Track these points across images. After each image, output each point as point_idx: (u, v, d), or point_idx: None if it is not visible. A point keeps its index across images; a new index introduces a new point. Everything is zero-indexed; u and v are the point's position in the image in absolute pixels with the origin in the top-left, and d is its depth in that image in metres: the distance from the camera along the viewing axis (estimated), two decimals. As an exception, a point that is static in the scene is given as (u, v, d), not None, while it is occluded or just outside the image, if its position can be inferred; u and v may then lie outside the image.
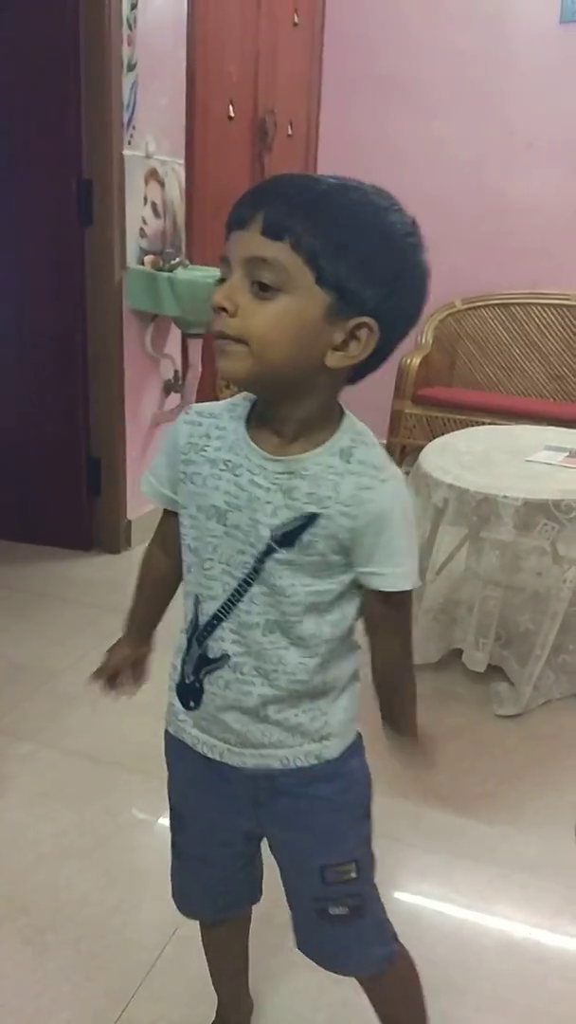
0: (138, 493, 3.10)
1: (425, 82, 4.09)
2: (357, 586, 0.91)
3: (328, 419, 0.87)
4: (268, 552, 0.87)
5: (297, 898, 1.05)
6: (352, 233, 0.78)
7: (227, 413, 0.91)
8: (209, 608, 0.92)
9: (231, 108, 3.40)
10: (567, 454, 2.45)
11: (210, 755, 0.98)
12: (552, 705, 2.24)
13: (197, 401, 3.17)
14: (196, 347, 3.12)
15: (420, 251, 0.84)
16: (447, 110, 4.08)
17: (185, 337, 3.12)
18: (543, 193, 3.83)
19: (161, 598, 1.10)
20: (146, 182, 2.85)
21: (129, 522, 3.08)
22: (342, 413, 0.89)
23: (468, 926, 1.54)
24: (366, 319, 0.80)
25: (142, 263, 2.87)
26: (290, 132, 3.97)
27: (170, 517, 0.99)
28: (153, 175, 2.87)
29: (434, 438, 2.60)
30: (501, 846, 1.71)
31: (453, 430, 3.03)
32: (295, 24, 3.86)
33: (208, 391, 3.43)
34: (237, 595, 0.90)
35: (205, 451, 0.90)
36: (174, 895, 1.15)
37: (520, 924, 1.56)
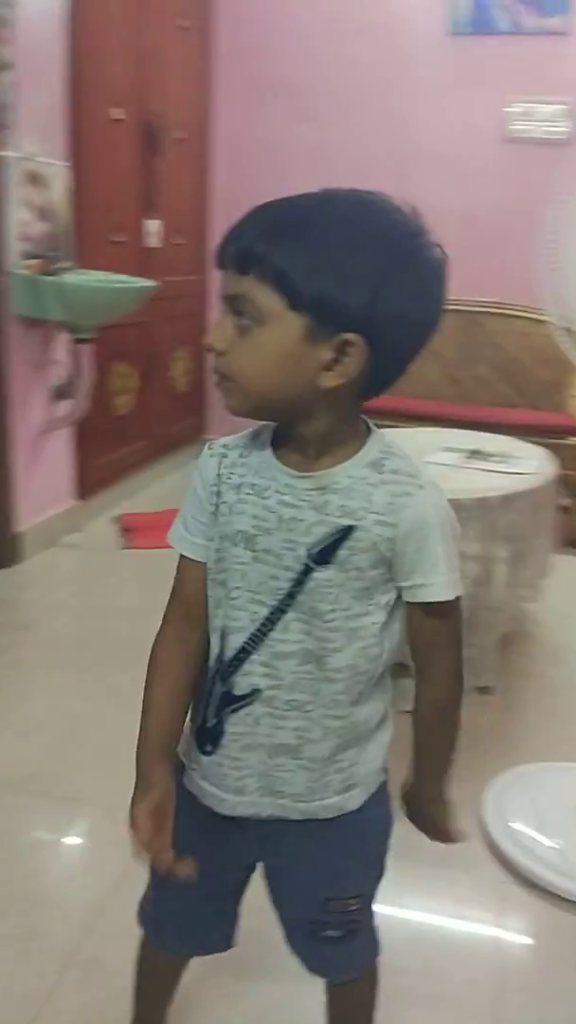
0: (30, 503, 3.04)
1: (318, 90, 4.11)
2: (395, 612, 0.88)
3: (353, 433, 0.85)
4: (305, 573, 0.83)
5: (291, 915, 1.01)
6: (317, 251, 0.76)
7: (250, 441, 0.89)
8: (236, 641, 0.87)
9: (117, 111, 3.34)
10: (464, 455, 2.48)
11: (218, 809, 0.93)
12: (454, 699, 2.25)
13: (90, 408, 3.11)
14: (86, 352, 3.04)
15: (414, 247, 0.81)
16: (341, 117, 4.11)
17: (75, 342, 3.04)
18: (434, 201, 3.78)
19: (182, 703, 0.94)
20: (28, 184, 2.76)
21: (19, 534, 2.97)
22: (368, 427, 0.87)
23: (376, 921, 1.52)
24: (348, 335, 0.78)
25: (27, 268, 2.78)
26: (182, 136, 3.93)
27: (192, 571, 0.92)
28: (36, 178, 2.79)
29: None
30: (407, 839, 1.69)
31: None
32: (183, 28, 3.83)
33: (100, 396, 3.36)
34: (269, 624, 0.86)
35: (230, 479, 0.88)
36: (146, 921, 1.08)
37: (427, 917, 1.55)
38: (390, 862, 1.03)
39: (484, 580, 2.15)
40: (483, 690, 2.29)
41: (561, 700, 2.34)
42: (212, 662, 0.90)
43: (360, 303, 0.77)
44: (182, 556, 0.94)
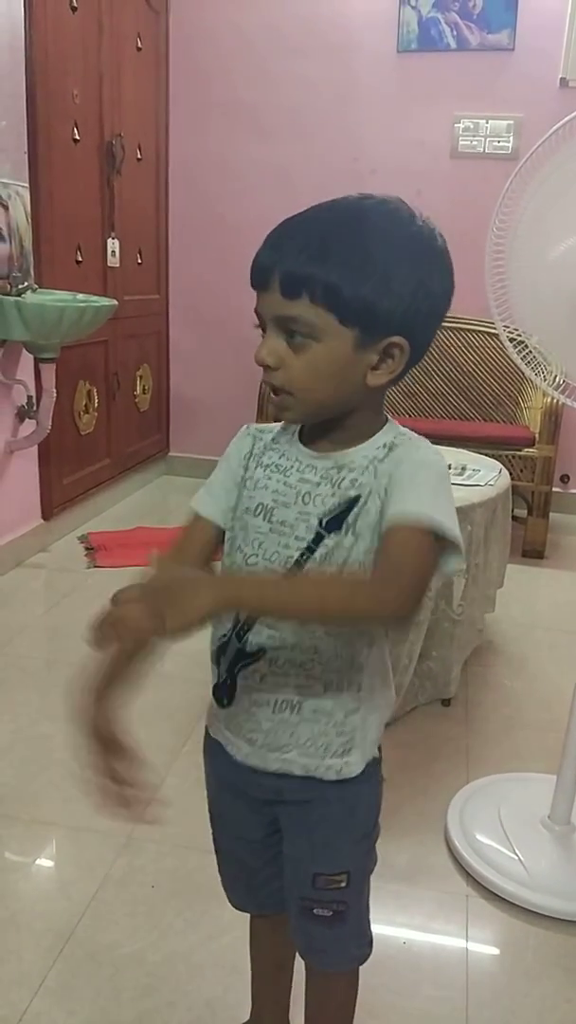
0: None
1: (271, 109, 4.15)
2: None
3: (378, 420, 0.93)
4: (317, 541, 0.90)
5: (289, 891, 1.07)
6: (359, 267, 0.83)
7: (281, 432, 0.98)
8: None
9: (76, 131, 3.35)
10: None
11: (236, 756, 1.00)
12: (418, 711, 2.28)
13: (54, 427, 3.10)
14: (49, 372, 3.03)
15: (436, 249, 0.89)
16: (294, 137, 4.15)
17: (38, 362, 3.04)
18: None
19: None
20: (-13, 205, 2.76)
21: (-15, 555, 2.96)
22: (386, 418, 0.94)
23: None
24: (395, 339, 0.86)
25: (-13, 287, 2.77)
26: (139, 156, 3.95)
27: (201, 530, 0.99)
28: (-5, 198, 2.79)
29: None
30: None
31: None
32: (139, 49, 3.85)
33: (64, 416, 3.35)
34: None
35: (261, 458, 0.97)
36: (223, 883, 1.18)
37: (394, 933, 1.57)
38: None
39: (444, 592, 2.19)
40: (445, 702, 2.32)
41: (522, 710, 2.38)
42: (231, 622, 0.96)
43: (402, 309, 0.85)
44: (196, 516, 1.00)
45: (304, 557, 0.90)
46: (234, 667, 0.95)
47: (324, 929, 1.06)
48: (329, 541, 0.89)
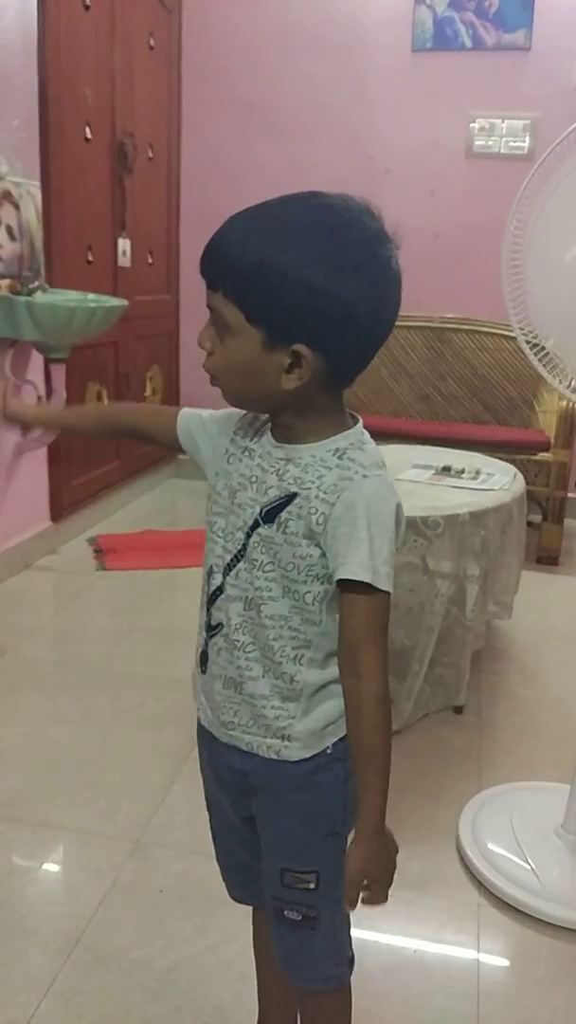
0: (3, 526, 3.01)
1: (284, 108, 4.14)
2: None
3: (328, 423, 0.92)
4: (254, 527, 0.93)
5: (266, 894, 1.07)
6: (268, 270, 0.83)
7: (262, 418, 0.99)
8: (216, 579, 0.98)
9: (88, 130, 3.35)
10: (433, 471, 2.50)
11: (203, 723, 1.05)
12: (429, 718, 2.27)
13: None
14: (59, 372, 3.03)
15: (371, 270, 0.86)
16: (309, 136, 4.14)
17: (48, 362, 3.03)
18: (401, 219, 3.88)
19: (96, 421, 1.24)
20: (-1, 204, 2.76)
21: (-6, 556, 2.95)
22: (354, 421, 0.95)
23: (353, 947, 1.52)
24: (297, 347, 0.85)
25: (-2, 287, 2.77)
26: (151, 155, 3.94)
27: (168, 418, 1.06)
28: (7, 197, 2.78)
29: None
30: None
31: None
32: (151, 48, 3.85)
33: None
34: (228, 569, 0.96)
35: (241, 438, 0.98)
36: (222, 879, 1.19)
37: (405, 942, 1.55)
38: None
39: (457, 598, 2.17)
40: (457, 710, 2.30)
41: (535, 719, 2.35)
42: (205, 595, 1.00)
43: (301, 315, 0.84)
44: (176, 413, 1.06)
45: (247, 540, 0.94)
46: (207, 637, 1.01)
47: (293, 934, 1.05)
48: (262, 530, 0.92)
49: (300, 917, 1.04)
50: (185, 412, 1.05)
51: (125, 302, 3.16)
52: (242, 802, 1.05)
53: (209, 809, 1.14)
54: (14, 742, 2.10)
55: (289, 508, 0.90)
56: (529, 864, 1.68)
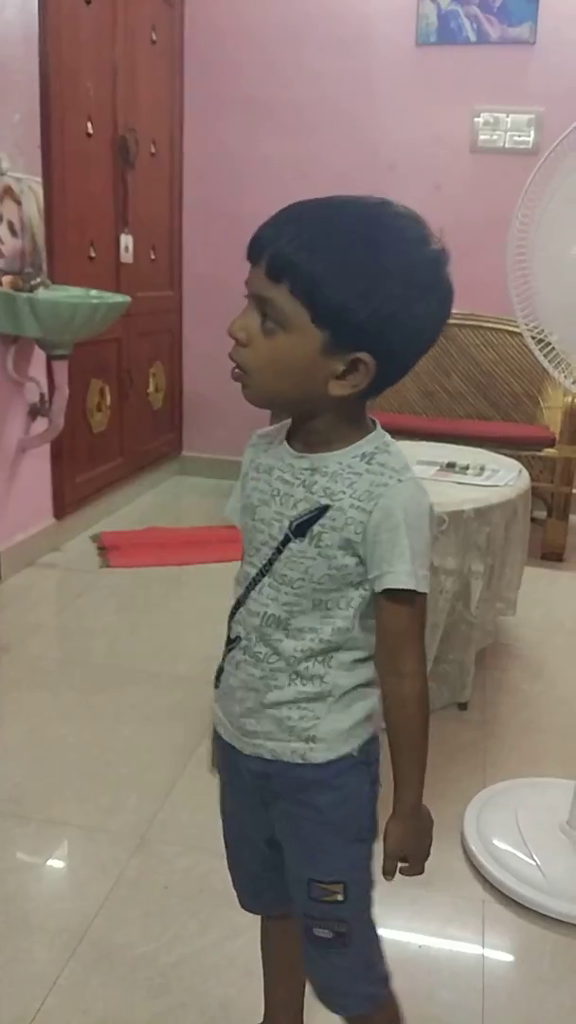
0: (6, 523, 3.01)
1: (288, 103, 4.12)
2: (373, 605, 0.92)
3: (355, 428, 0.91)
4: (284, 543, 0.91)
5: (297, 913, 1.05)
6: (346, 272, 0.81)
7: (279, 431, 0.97)
8: (238, 592, 0.98)
9: (90, 125, 3.34)
10: (438, 468, 2.50)
11: (224, 736, 1.03)
12: (434, 715, 2.24)
13: (67, 425, 3.09)
14: (62, 369, 3.02)
15: (433, 275, 0.86)
16: (311, 131, 4.12)
17: (50, 359, 3.03)
18: None
19: None
20: (0, 200, 2.75)
21: (-4, 552, 2.95)
22: (373, 424, 0.94)
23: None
24: (362, 355, 0.84)
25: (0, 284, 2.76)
26: (153, 151, 3.94)
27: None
28: (8, 192, 2.77)
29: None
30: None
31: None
32: (153, 41, 3.84)
33: (76, 414, 3.34)
34: (253, 584, 0.95)
35: (258, 461, 0.97)
36: (232, 882, 1.18)
37: (411, 938, 1.56)
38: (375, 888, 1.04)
39: (462, 594, 2.16)
40: (462, 706, 2.30)
41: (540, 715, 2.35)
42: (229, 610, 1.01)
43: (378, 326, 0.83)
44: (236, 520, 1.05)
45: (275, 557, 0.92)
46: (226, 650, 1.00)
47: (324, 955, 1.03)
48: (293, 546, 0.90)
49: (331, 935, 1.01)
50: (233, 515, 1.03)
51: (127, 298, 3.15)
52: (264, 817, 1.03)
53: (223, 822, 1.13)
54: (19, 739, 2.10)
55: (322, 521, 0.89)
56: (534, 860, 1.68)
